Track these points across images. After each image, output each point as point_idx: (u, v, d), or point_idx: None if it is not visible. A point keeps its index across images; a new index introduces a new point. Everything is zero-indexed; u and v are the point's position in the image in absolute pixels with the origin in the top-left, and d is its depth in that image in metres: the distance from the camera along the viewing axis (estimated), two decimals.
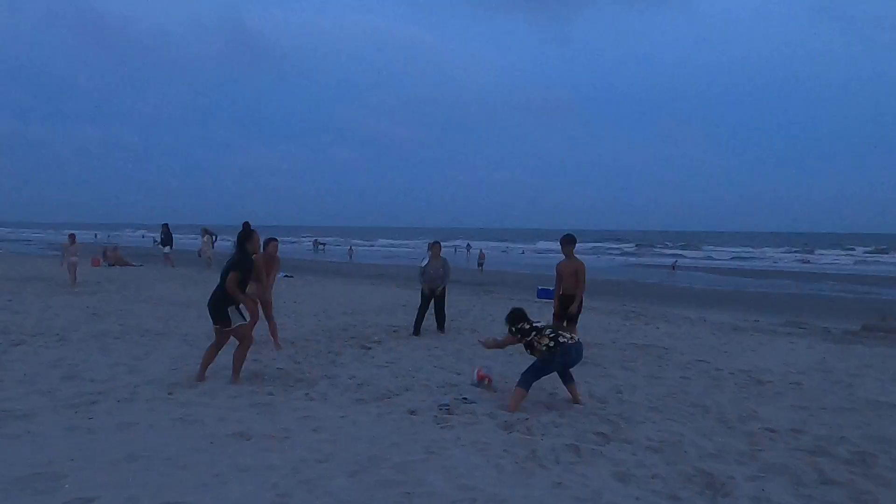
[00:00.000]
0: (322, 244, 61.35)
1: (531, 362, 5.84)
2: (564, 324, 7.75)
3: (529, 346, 5.79)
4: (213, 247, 22.74)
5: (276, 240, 8.64)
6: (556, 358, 5.65)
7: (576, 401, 5.92)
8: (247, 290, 8.35)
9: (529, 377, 5.71)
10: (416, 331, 9.73)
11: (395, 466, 4.12)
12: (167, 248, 23.15)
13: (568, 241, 8.00)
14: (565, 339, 5.68)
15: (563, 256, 8.03)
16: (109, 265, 23.44)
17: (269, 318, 8.56)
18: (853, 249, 64.22)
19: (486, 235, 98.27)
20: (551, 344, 5.63)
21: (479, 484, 3.90)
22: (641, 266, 42.16)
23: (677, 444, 4.79)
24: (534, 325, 5.81)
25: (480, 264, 33.90)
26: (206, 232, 22.87)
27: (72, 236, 16.12)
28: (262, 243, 8.47)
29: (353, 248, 51.47)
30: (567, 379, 5.97)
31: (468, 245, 59.01)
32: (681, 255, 56.93)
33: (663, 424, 5.31)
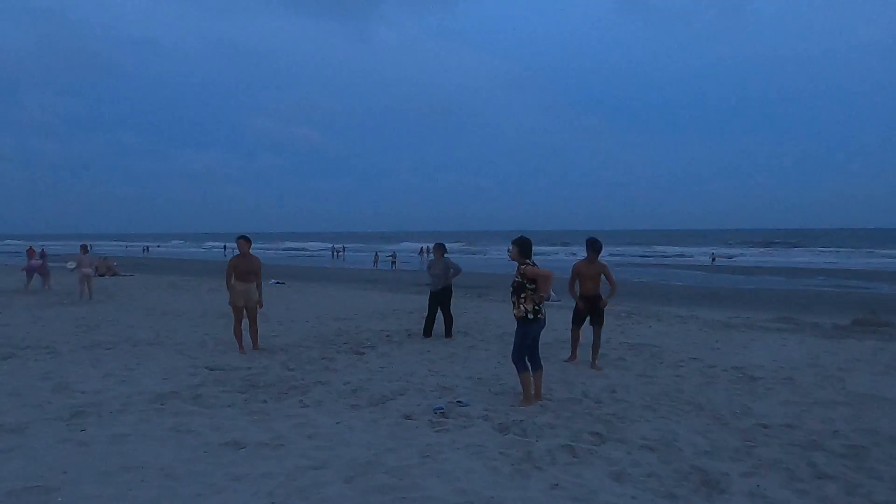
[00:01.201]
0: (340, 250, 61.48)
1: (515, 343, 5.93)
2: (588, 321, 7.85)
3: (522, 290, 5.79)
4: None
5: (247, 239, 8.50)
6: (532, 327, 5.82)
7: (538, 396, 5.97)
8: (235, 288, 8.37)
9: (521, 354, 5.85)
10: (426, 332, 9.84)
11: (390, 471, 4.12)
12: None
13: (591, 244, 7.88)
14: (543, 315, 5.87)
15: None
16: (99, 275, 23.29)
17: (253, 321, 8.56)
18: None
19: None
20: (530, 316, 5.77)
21: (476, 487, 3.90)
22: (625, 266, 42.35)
23: (672, 443, 4.81)
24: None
25: (394, 262, 39.57)
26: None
27: (83, 247, 15.91)
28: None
29: (378, 254, 47.54)
30: (536, 365, 6.05)
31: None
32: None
33: (658, 423, 5.33)
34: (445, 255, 10.08)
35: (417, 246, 63.11)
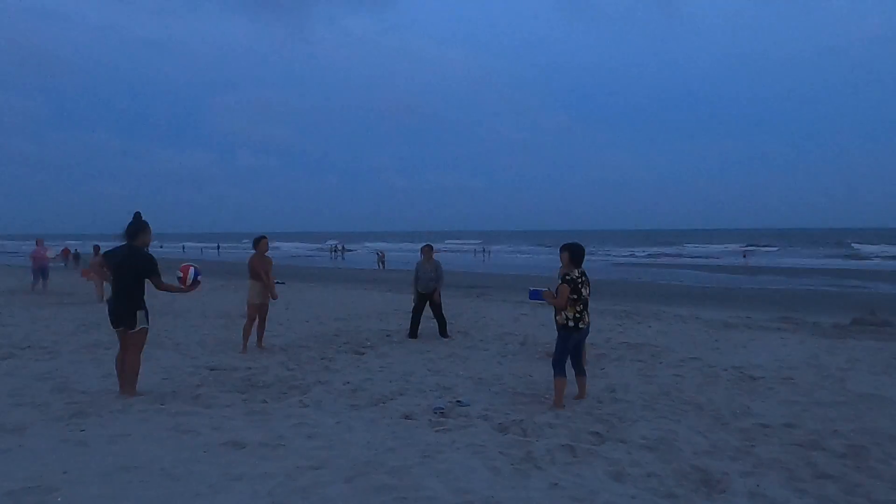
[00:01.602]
0: (341, 249, 62.16)
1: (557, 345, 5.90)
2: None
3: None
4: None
5: (265, 237, 8.67)
6: (573, 335, 5.80)
7: (581, 395, 6.06)
8: (254, 288, 8.44)
9: (562, 360, 5.82)
10: (413, 334, 9.74)
11: (390, 471, 4.11)
12: None
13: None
14: (585, 324, 5.85)
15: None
16: None
17: (263, 320, 8.58)
18: None
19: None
20: (570, 324, 5.76)
21: (475, 487, 3.90)
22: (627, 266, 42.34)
23: (672, 442, 4.81)
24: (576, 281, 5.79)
25: (382, 262, 39.78)
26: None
27: (97, 248, 15.86)
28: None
29: (384, 253, 45.12)
30: (579, 370, 6.10)
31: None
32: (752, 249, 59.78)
33: (657, 423, 5.33)
34: (435, 257, 10.05)
35: (380, 246, 64.70)
